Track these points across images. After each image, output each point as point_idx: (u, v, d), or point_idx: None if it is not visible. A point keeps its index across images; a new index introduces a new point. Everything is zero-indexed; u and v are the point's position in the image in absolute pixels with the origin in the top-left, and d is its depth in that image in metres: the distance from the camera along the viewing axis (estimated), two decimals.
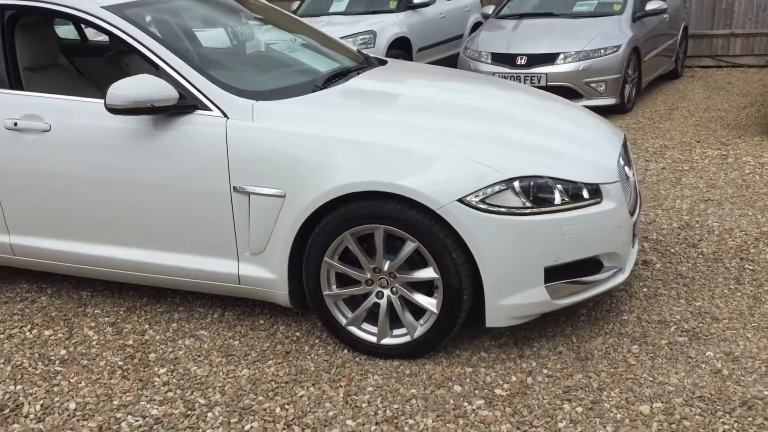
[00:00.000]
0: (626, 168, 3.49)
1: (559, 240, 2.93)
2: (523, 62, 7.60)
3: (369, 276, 3.06)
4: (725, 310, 3.43)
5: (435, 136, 3.00)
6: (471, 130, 3.12)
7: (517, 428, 2.66)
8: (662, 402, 2.78)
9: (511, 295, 2.93)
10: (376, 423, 2.70)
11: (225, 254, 3.22)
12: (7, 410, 2.83)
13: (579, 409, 2.75)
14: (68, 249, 3.46)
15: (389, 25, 8.76)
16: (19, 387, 2.99)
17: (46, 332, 3.44)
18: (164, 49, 3.21)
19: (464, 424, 2.68)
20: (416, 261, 2.99)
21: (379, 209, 2.91)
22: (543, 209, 2.91)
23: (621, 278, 3.23)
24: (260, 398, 2.87)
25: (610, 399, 2.81)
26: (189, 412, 2.79)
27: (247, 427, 2.70)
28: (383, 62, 4.24)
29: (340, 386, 2.94)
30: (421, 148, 2.93)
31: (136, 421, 2.75)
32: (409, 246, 2.94)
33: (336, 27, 8.71)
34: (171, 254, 3.30)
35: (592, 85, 7.47)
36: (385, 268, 3.02)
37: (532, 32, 7.96)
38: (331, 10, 9.44)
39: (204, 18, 3.91)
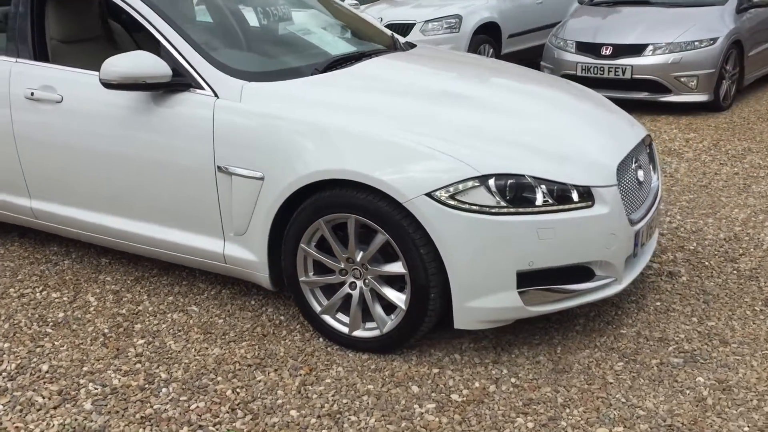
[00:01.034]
0: (640, 171, 3.24)
1: (535, 244, 2.76)
2: (608, 52, 7.22)
3: (343, 266, 3.01)
4: (738, 334, 3.14)
5: (415, 127, 2.90)
6: (456, 122, 2.99)
7: None
8: (624, 426, 2.58)
9: (480, 297, 2.80)
10: (318, 416, 2.66)
11: (212, 233, 3.26)
12: None
13: (530, 425, 2.60)
14: (74, 215, 3.60)
15: (478, 10, 8.55)
16: (7, 345, 3.15)
17: (54, 294, 3.61)
18: (165, 25, 3.26)
19: (405, 427, 2.59)
20: (390, 255, 2.90)
21: (351, 198, 2.85)
22: (518, 210, 2.75)
23: (615, 290, 3.02)
24: (219, 379, 2.89)
25: (570, 417, 2.64)
26: (146, 386, 2.85)
27: (192, 407, 2.72)
28: (411, 46, 4.14)
29: (299, 375, 2.91)
30: (396, 138, 2.83)
31: (95, 389, 2.84)
32: (380, 238, 2.86)
33: (424, 10, 8.61)
34: (163, 228, 3.37)
35: (682, 79, 7.00)
36: (358, 258, 2.95)
37: (622, 21, 7.54)
38: None
39: None
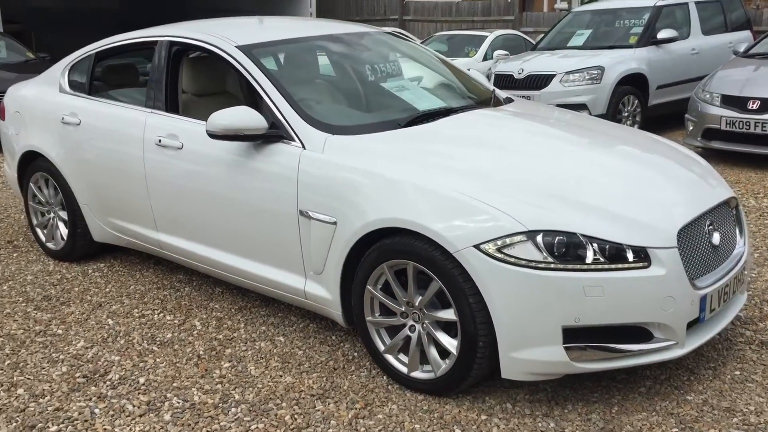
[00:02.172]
0: (716, 234, 3.18)
1: (581, 300, 2.81)
2: (755, 107, 6.90)
3: (403, 309, 3.20)
4: None
5: (475, 181, 3.05)
6: (518, 177, 3.11)
7: None
8: None
9: (525, 349, 2.88)
10: None
11: (295, 270, 3.57)
12: (98, 374, 3.46)
13: None
14: (188, 248, 4.07)
15: (624, 60, 8.45)
16: (118, 357, 3.62)
17: (168, 317, 4.07)
18: (270, 84, 3.66)
19: None
20: (445, 301, 3.06)
21: (410, 246, 3.05)
22: (566, 266, 2.82)
23: (676, 353, 2.99)
24: (283, 404, 3.16)
25: None
26: (220, 404, 3.18)
27: (252, 427, 3.01)
28: (509, 101, 4.29)
29: (354, 408, 3.11)
30: (452, 192, 3.00)
31: (178, 403, 3.20)
32: (434, 285, 3.03)
33: (568, 60, 8.64)
34: (257, 264, 3.73)
35: None
36: (416, 303, 3.13)
37: None
38: (570, 44, 9.34)
39: (330, 55, 4.30)
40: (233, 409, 3.14)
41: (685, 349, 3.00)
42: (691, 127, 7.50)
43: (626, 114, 8.57)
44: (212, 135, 3.52)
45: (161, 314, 4.12)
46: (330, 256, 3.36)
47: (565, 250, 2.85)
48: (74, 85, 4.79)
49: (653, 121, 9.49)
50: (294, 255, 3.53)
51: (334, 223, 3.29)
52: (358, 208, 3.19)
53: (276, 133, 3.54)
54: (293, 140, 3.50)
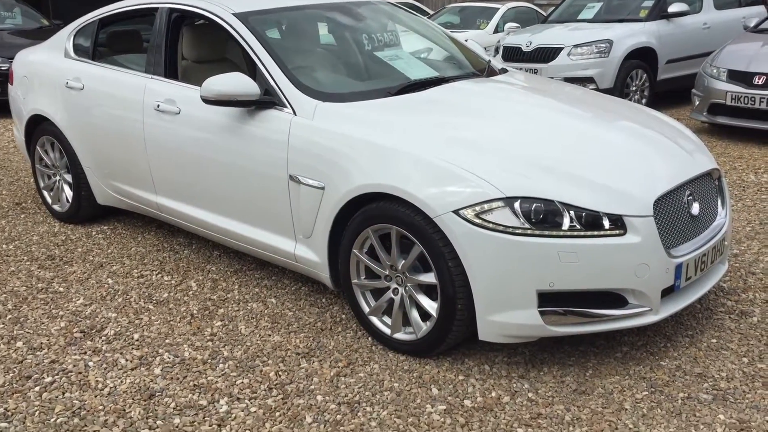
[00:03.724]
0: (695, 204, 3.24)
1: (556, 266, 2.89)
2: (760, 82, 6.88)
3: (387, 272, 3.29)
4: None
5: (458, 149, 3.12)
6: (499, 145, 3.17)
7: None
8: None
9: (501, 312, 2.97)
10: (338, 403, 2.96)
11: (286, 234, 3.67)
12: (94, 330, 3.59)
13: None
14: (185, 211, 4.18)
15: (631, 35, 8.42)
16: (114, 315, 3.75)
17: (166, 278, 4.20)
18: (263, 51, 3.73)
19: (411, 423, 2.82)
20: (427, 265, 3.15)
21: (393, 211, 3.13)
22: (542, 232, 2.89)
23: (649, 319, 3.06)
24: (269, 362, 3.28)
25: None
26: (209, 360, 3.30)
27: (238, 381, 3.13)
28: (503, 71, 4.34)
29: (337, 367, 3.22)
30: (435, 158, 3.07)
31: (168, 358, 3.33)
32: (416, 249, 3.12)
33: (576, 33, 8.61)
34: (250, 227, 3.83)
35: None
36: (399, 267, 3.22)
37: None
38: (580, 17, 9.30)
39: (327, 24, 4.36)
40: (221, 365, 3.26)
41: (659, 316, 3.07)
42: (698, 102, 7.49)
43: (634, 88, 8.55)
44: (206, 100, 3.61)
45: (159, 275, 4.24)
46: (318, 221, 3.45)
47: (542, 216, 2.92)
48: (79, 51, 4.89)
49: (662, 96, 9.47)
50: (284, 219, 3.63)
51: (322, 188, 3.38)
52: (345, 173, 3.28)
53: (268, 100, 3.62)
54: (285, 107, 3.58)
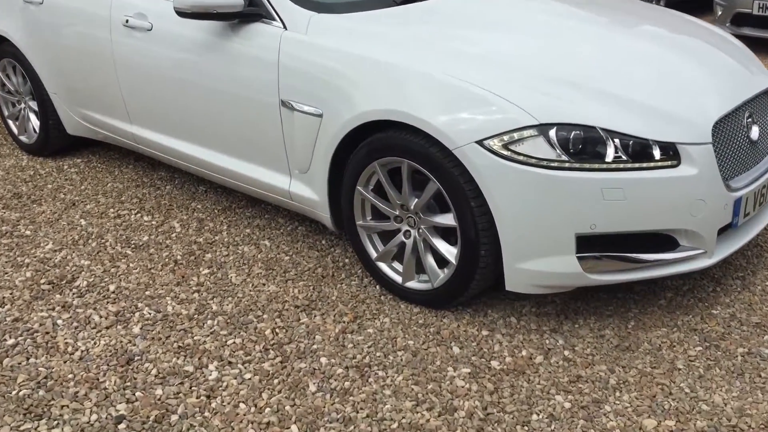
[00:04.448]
0: (755, 128, 2.78)
1: (599, 205, 2.45)
2: None
3: (397, 213, 2.85)
4: None
5: (477, 67, 2.63)
6: (527, 62, 2.69)
7: (484, 409, 2.34)
8: (677, 421, 2.26)
9: (533, 259, 2.54)
10: (346, 367, 2.56)
11: (279, 168, 3.20)
12: (64, 281, 3.16)
13: (568, 405, 2.34)
14: (163, 142, 3.69)
15: None
16: (87, 262, 3.31)
17: (146, 218, 3.74)
18: None
19: (431, 390, 2.43)
20: (445, 205, 2.70)
21: (404, 142, 2.66)
22: (582, 165, 2.43)
23: (703, 264, 2.65)
24: (264, 316, 2.87)
25: (617, 402, 2.35)
26: (195, 316, 2.88)
27: (229, 342, 2.72)
28: None
29: (342, 322, 2.81)
30: (452, 78, 2.58)
31: (149, 314, 2.91)
32: (432, 186, 2.67)
33: None
34: (236, 160, 3.36)
35: None
36: (412, 206, 2.78)
37: None
38: None
39: None
40: (209, 321, 2.85)
41: (713, 259, 2.66)
42: (720, 12, 6.91)
43: None
44: (180, 13, 3.07)
45: (138, 214, 3.79)
46: (316, 153, 2.98)
47: (582, 146, 2.46)
48: None
49: (677, 5, 8.84)
50: (277, 151, 3.15)
51: (320, 116, 2.89)
52: (346, 97, 2.79)
53: (254, 11, 3.09)
54: (273, 20, 3.06)
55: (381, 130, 2.75)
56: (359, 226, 2.98)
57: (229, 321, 2.84)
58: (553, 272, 2.55)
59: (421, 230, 2.80)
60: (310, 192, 3.10)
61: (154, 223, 3.69)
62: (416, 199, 2.76)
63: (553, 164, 2.44)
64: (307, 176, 3.08)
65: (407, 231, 2.86)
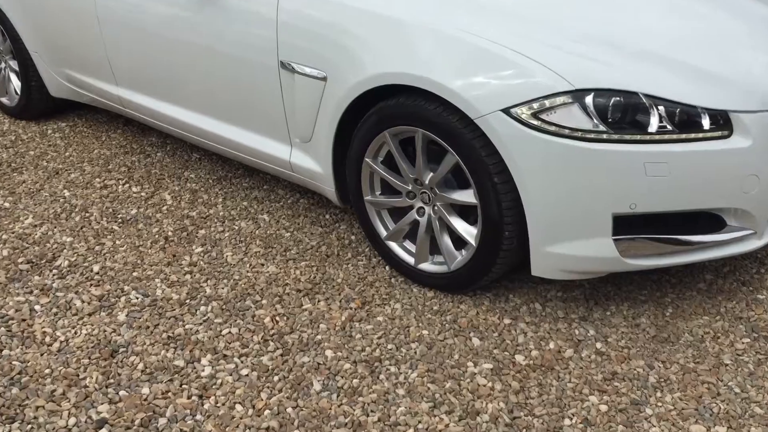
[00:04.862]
0: None
1: (641, 181, 2.16)
2: None
3: (410, 188, 2.56)
4: None
5: (505, 25, 2.32)
6: (560, 19, 2.38)
7: (510, 412, 2.09)
8: (729, 427, 2.00)
9: (564, 242, 2.26)
10: (354, 361, 2.30)
11: (278, 137, 2.91)
12: (44, 260, 2.88)
13: (603, 408, 2.09)
14: (153, 106, 3.39)
15: None
16: (70, 239, 3.04)
17: (135, 189, 3.46)
18: None
19: (450, 389, 2.17)
20: (464, 179, 2.41)
21: (418, 109, 2.37)
22: (622, 137, 2.14)
23: (752, 246, 2.38)
24: (263, 302, 2.60)
25: (659, 405, 2.09)
26: (187, 301, 2.62)
27: (224, 332, 2.46)
28: None
29: (349, 308, 2.55)
30: (477, 38, 2.27)
31: (136, 298, 2.64)
32: (450, 159, 2.38)
33: None
34: (230, 127, 3.07)
35: None
36: (426, 181, 2.49)
37: None
38: None
39: None
40: (202, 308, 2.58)
41: (763, 240, 2.38)
42: None
43: None
44: None
45: (127, 185, 3.50)
46: (319, 121, 2.68)
47: (622, 115, 2.16)
48: None
49: None
50: (276, 118, 2.85)
51: (323, 79, 2.59)
52: (354, 59, 2.48)
53: None
54: None
55: (393, 95, 2.45)
56: (367, 201, 2.70)
57: (224, 307, 2.58)
58: (586, 257, 2.27)
59: (436, 207, 2.52)
60: (312, 163, 2.81)
61: (143, 194, 3.41)
62: (431, 173, 2.47)
63: (589, 135, 2.15)
64: (310, 146, 2.79)
65: (421, 208, 2.57)
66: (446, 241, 2.54)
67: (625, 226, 2.25)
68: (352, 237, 3.00)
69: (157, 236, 3.04)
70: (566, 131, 2.15)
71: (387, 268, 2.77)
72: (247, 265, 2.82)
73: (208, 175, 3.57)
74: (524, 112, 2.17)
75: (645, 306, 2.51)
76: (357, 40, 2.46)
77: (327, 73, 2.57)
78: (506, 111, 2.18)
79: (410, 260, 2.66)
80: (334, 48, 2.53)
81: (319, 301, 2.60)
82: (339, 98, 2.54)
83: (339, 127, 2.62)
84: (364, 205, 2.71)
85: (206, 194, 3.38)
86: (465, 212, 2.49)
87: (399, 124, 2.44)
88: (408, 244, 2.69)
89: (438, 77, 2.25)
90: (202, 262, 2.85)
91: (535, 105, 2.16)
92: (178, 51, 3.05)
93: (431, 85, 2.27)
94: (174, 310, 2.57)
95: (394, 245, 2.70)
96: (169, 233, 3.07)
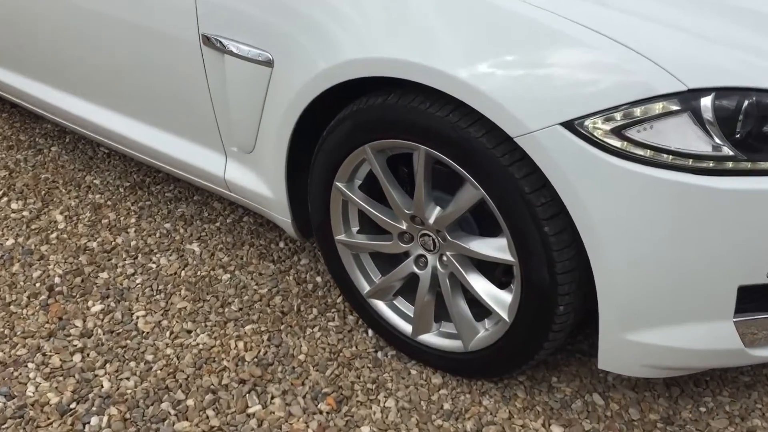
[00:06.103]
0: None
1: None
2: None
3: (404, 227, 1.69)
4: None
5: None
6: None
7: None
8: None
9: (655, 327, 1.44)
10: None
11: (206, 143, 2.01)
12: None
13: None
14: (32, 92, 2.47)
15: None
16: None
17: (14, 206, 2.52)
18: None
19: None
20: (489, 220, 1.55)
21: (419, 115, 1.49)
22: (756, 164, 1.30)
23: None
24: (188, 404, 1.74)
25: None
26: (73, 406, 1.74)
27: None
28: None
29: (318, 412, 1.69)
30: (522, 5, 1.39)
31: None
32: (470, 193, 1.51)
33: None
34: (141, 125, 2.16)
35: None
36: (431, 220, 1.62)
37: None
38: None
39: None
40: (94, 420, 1.71)
41: None
42: None
43: None
44: None
45: (4, 199, 2.56)
46: (265, 123, 1.79)
47: (754, 129, 1.31)
48: None
49: None
50: (201, 117, 1.95)
51: (269, 63, 1.69)
52: (320, 36, 1.58)
53: None
54: None
55: (370, 93, 1.57)
56: (339, 242, 1.83)
57: (128, 417, 1.70)
58: (690, 349, 1.45)
59: (445, 258, 1.66)
60: (257, 182, 1.93)
61: (25, 214, 2.48)
62: (438, 209, 1.61)
63: (705, 164, 1.30)
64: (253, 158, 1.90)
65: (422, 257, 1.72)
66: (461, 308, 1.69)
67: (749, 299, 1.43)
68: (318, 279, 2.13)
69: (38, 289, 2.13)
70: (668, 157, 1.30)
71: (370, 333, 1.92)
72: (167, 334, 1.95)
73: (118, 180, 2.65)
74: (600, 127, 1.31)
75: (753, 396, 1.72)
76: (327, 7, 1.56)
77: (273, 55, 1.67)
78: (569, 125, 1.32)
79: (406, 328, 1.81)
80: (287, 18, 1.62)
81: (272, 399, 1.74)
82: (295, 93, 1.65)
83: (295, 134, 1.73)
84: (335, 246, 1.84)
85: (114, 211, 2.47)
86: (486, 268, 1.65)
87: (388, 135, 1.56)
88: (401, 302, 1.84)
89: (460, 71, 1.38)
90: (100, 331, 1.97)
91: (618, 115, 1.30)
92: (70, 22, 2.12)
93: (448, 81, 1.39)
94: (51, 424, 1.69)
95: (380, 305, 1.85)
96: (57, 279, 2.16)
